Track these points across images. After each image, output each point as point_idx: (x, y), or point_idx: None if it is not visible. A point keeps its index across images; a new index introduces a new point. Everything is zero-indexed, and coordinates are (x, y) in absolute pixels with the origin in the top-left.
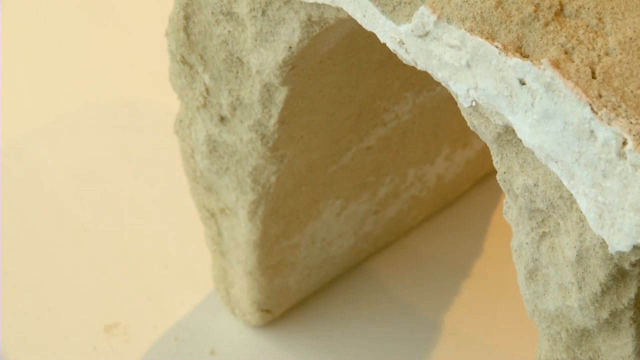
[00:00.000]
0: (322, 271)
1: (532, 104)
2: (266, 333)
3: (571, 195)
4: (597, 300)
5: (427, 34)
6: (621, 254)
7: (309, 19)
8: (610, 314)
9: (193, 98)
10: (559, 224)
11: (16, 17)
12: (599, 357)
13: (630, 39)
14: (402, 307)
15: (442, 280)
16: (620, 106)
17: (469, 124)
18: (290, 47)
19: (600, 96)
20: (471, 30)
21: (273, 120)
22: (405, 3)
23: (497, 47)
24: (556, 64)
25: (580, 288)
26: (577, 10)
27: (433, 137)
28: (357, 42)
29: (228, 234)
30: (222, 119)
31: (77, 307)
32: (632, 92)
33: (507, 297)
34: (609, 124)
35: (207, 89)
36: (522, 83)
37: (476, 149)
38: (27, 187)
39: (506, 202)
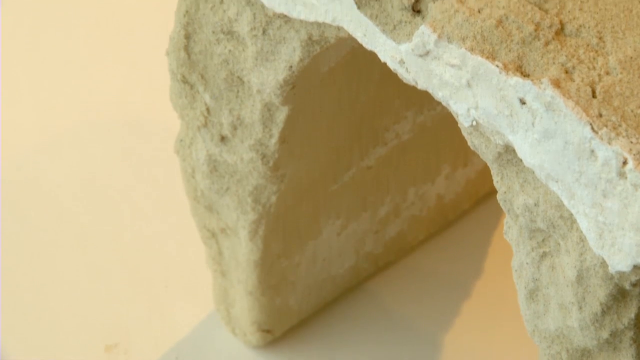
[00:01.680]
0: (323, 291)
1: (533, 124)
2: (267, 353)
3: (571, 214)
4: (597, 320)
5: (427, 53)
6: (621, 274)
7: (310, 38)
8: (611, 334)
9: (194, 117)
10: (559, 243)
11: (16, 34)
12: None
13: (631, 58)
14: (403, 327)
15: (443, 299)
16: (620, 125)
17: (469, 144)
18: (291, 66)
19: (600, 115)
20: (472, 50)
21: (274, 140)
22: (405, 22)
23: (497, 66)
24: (556, 83)
25: (580, 308)
26: (577, 29)
27: (434, 156)
28: (357, 61)
29: (229, 254)
30: (223, 139)
31: (78, 327)
32: (632, 111)
33: (507, 317)
34: (610, 144)
35: (207, 109)
36: (523, 102)
37: (477, 168)
38: (27, 202)
39: (506, 222)
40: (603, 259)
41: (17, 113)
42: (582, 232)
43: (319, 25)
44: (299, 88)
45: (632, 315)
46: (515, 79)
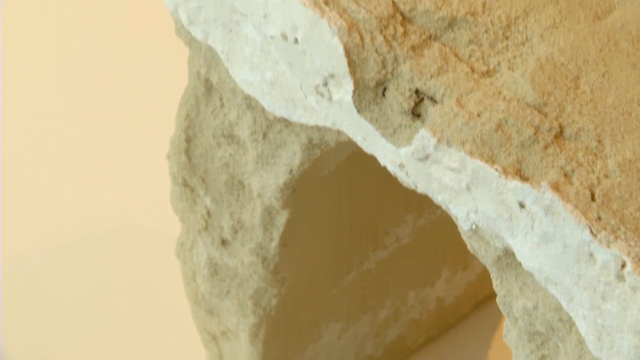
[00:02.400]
0: None
1: (532, 227)
2: None
3: (570, 317)
4: None
5: (427, 157)
6: None
7: (310, 142)
8: None
9: (194, 221)
10: (558, 346)
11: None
12: None
13: (630, 161)
14: None
15: None
16: (619, 228)
17: (468, 247)
18: (291, 170)
19: (599, 219)
20: (471, 153)
21: (274, 244)
22: (405, 126)
23: (497, 170)
24: (556, 187)
25: None
26: (576, 133)
27: (433, 259)
28: (357, 164)
29: (230, 357)
30: (224, 242)
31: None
32: (631, 214)
33: None
34: (608, 247)
35: (208, 212)
36: (522, 206)
37: (476, 271)
38: (28, 308)
39: (506, 325)
40: None
41: (18, 218)
42: (580, 334)
43: (319, 129)
44: (299, 191)
45: None
46: (515, 183)
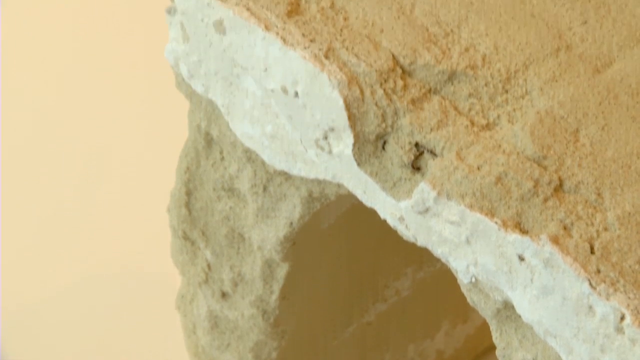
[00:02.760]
0: None
1: (531, 280)
2: None
3: None
4: None
5: (427, 210)
6: None
7: (310, 195)
8: None
9: (195, 274)
10: None
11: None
12: None
13: (629, 213)
14: None
15: None
16: (618, 281)
17: (468, 300)
18: (292, 223)
19: (598, 271)
20: (471, 207)
21: (274, 296)
22: (405, 179)
23: (496, 223)
24: (555, 240)
25: None
26: (576, 186)
27: (433, 312)
28: (357, 217)
29: None
30: (224, 295)
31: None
32: (630, 267)
33: None
34: (607, 299)
35: (208, 265)
36: (522, 259)
37: (476, 324)
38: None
39: None
40: None
41: (19, 269)
42: None
43: (319, 182)
44: (300, 244)
45: None
46: (514, 236)
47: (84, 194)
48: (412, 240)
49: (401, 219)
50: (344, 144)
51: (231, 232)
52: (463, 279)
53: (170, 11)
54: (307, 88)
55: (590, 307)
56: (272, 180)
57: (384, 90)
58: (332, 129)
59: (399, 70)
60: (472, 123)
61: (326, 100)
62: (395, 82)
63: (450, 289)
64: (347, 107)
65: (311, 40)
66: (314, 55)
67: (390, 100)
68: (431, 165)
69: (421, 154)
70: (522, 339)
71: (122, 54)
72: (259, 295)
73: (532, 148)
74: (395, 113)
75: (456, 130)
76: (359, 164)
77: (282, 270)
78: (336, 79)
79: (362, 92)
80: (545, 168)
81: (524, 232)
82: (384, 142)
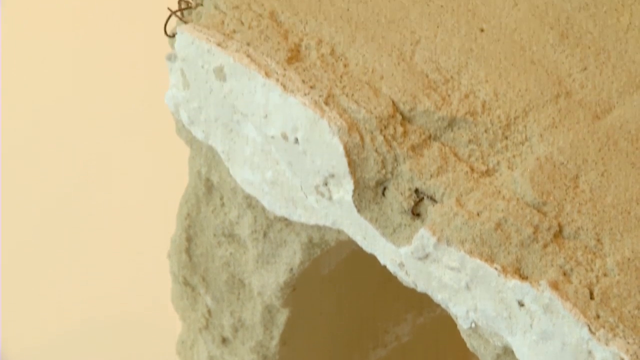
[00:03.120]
0: None
1: (531, 325)
2: None
3: None
4: None
5: (427, 256)
6: None
7: (310, 241)
8: None
9: (195, 319)
10: None
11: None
12: None
13: (629, 259)
14: None
15: None
16: (617, 326)
17: (468, 345)
18: (292, 269)
19: (598, 317)
20: (470, 252)
21: (274, 342)
22: (405, 225)
23: (496, 269)
24: (555, 286)
25: None
26: (575, 232)
27: (433, 358)
28: (357, 263)
29: None
30: (224, 341)
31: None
32: (629, 312)
33: None
34: (607, 345)
35: (209, 311)
36: (521, 304)
37: None
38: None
39: None
40: None
41: (18, 314)
42: None
43: (319, 228)
44: (300, 290)
45: None
46: (514, 282)
47: (85, 238)
48: (412, 286)
49: (401, 264)
50: (344, 190)
51: (231, 278)
52: (463, 325)
53: (171, 58)
54: (307, 134)
55: (590, 353)
56: (272, 226)
57: (384, 136)
58: (332, 175)
59: (399, 117)
60: (472, 169)
61: (326, 146)
62: (395, 128)
63: (450, 334)
64: (347, 153)
65: (311, 87)
66: (314, 102)
67: (390, 146)
68: (431, 211)
69: (421, 200)
70: None
71: (122, 101)
72: (259, 341)
73: (531, 194)
74: (395, 159)
75: (456, 176)
76: (359, 210)
77: (282, 316)
78: (336, 126)
79: (362, 138)
80: (544, 214)
81: (523, 277)
82: (384, 188)
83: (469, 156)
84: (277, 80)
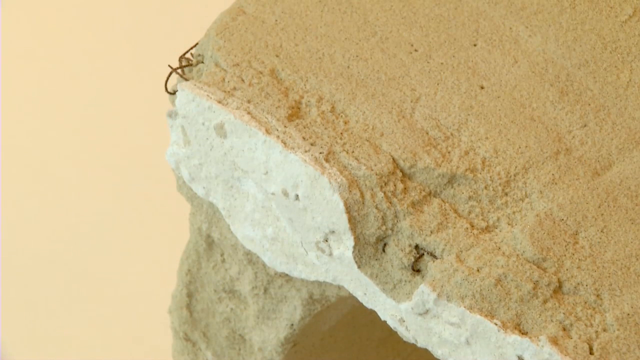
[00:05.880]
0: None
1: None
2: None
3: None
4: None
5: (427, 311)
6: None
7: (311, 297)
8: None
9: None
10: None
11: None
12: None
13: (628, 314)
14: None
15: None
16: None
17: None
18: (292, 325)
19: None
20: (470, 308)
21: None
22: (405, 281)
23: (496, 324)
24: (554, 341)
25: None
26: (575, 287)
27: None
28: (358, 319)
29: None
30: None
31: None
32: None
33: None
34: None
35: None
36: (521, 359)
37: None
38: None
39: None
40: None
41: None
42: None
43: (319, 284)
44: (300, 346)
45: None
46: (514, 337)
47: (86, 295)
48: (412, 341)
49: (401, 320)
50: (345, 246)
51: (232, 334)
52: None
53: (171, 115)
54: (307, 191)
55: None
56: (272, 283)
57: (384, 193)
58: (332, 232)
59: (399, 174)
60: (472, 226)
61: (327, 203)
62: (395, 185)
63: None
64: (348, 210)
65: (312, 144)
66: (315, 159)
67: (391, 203)
68: (431, 267)
69: (421, 256)
70: None
71: (122, 159)
72: None
73: (531, 250)
74: (396, 216)
75: (456, 232)
76: (359, 266)
77: None
78: (336, 182)
79: (362, 195)
80: (544, 270)
81: (523, 333)
82: (384, 245)
83: (469, 212)
84: (278, 137)
